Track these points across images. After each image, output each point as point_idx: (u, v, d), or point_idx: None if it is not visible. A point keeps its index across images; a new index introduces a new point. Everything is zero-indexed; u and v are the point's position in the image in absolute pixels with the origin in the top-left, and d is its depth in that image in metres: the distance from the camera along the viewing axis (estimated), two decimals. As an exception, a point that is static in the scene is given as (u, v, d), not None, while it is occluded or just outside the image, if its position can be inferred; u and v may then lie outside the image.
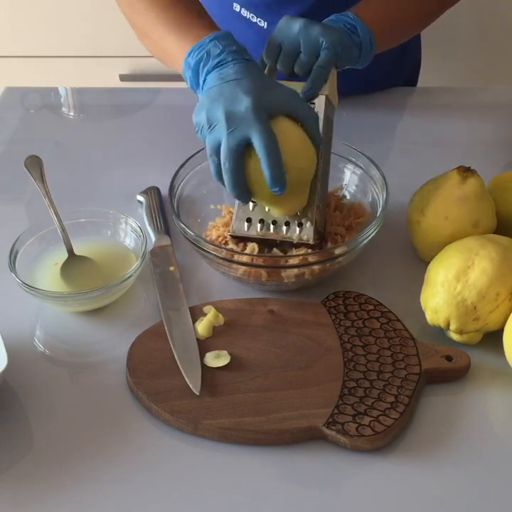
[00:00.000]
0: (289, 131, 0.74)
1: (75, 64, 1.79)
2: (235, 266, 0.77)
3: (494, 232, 0.80)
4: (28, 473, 0.65)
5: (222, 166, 0.73)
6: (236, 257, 0.76)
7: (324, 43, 0.80)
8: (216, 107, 0.72)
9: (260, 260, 0.76)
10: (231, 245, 0.80)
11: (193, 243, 0.78)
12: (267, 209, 0.80)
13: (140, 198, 0.93)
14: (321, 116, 0.81)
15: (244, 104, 0.71)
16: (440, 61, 1.70)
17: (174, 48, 0.81)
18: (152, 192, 0.94)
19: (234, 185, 0.73)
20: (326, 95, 0.81)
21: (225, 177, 0.73)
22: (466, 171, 0.80)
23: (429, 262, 0.77)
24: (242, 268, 0.77)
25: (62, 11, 1.71)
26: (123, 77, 1.78)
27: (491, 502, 0.62)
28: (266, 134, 0.71)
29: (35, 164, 0.87)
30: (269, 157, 0.71)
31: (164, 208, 0.92)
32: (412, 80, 1.25)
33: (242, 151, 0.72)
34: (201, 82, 0.77)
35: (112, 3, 0.95)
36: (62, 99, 1.21)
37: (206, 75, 0.76)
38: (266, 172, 0.71)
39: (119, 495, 0.63)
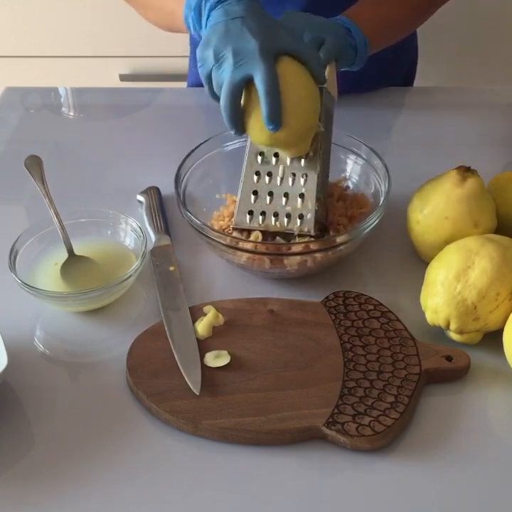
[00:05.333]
0: (294, 71, 0.75)
1: (75, 64, 1.79)
2: (239, 253, 0.78)
3: (494, 232, 0.80)
4: (28, 473, 0.65)
5: (221, 101, 0.74)
6: (240, 244, 0.78)
7: (328, 33, 0.80)
8: (223, 43, 0.74)
9: (263, 247, 0.78)
10: (235, 234, 0.81)
11: (199, 231, 0.79)
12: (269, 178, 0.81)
13: (140, 198, 0.93)
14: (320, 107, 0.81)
15: (251, 43, 0.73)
16: (437, 60, 1.70)
17: (173, 3, 0.84)
18: (152, 192, 0.94)
19: (229, 119, 0.75)
20: (324, 88, 0.81)
21: (223, 111, 0.75)
22: (466, 171, 0.80)
23: (429, 262, 0.77)
24: (246, 255, 0.78)
25: (62, 11, 1.71)
26: (123, 77, 1.78)
27: (491, 502, 0.62)
28: (268, 73, 0.72)
29: (35, 164, 0.87)
30: (267, 95, 0.72)
31: (164, 208, 0.92)
32: (408, 79, 1.25)
33: (242, 87, 0.74)
34: (205, 20, 0.78)
35: (112, 3, 0.96)
36: (62, 99, 1.21)
37: (210, 11, 0.77)
38: (263, 107, 0.73)
39: (119, 495, 0.63)
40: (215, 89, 0.76)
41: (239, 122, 0.76)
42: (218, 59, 0.74)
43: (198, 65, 0.77)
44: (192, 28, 0.82)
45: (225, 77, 0.74)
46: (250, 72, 0.73)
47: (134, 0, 0.93)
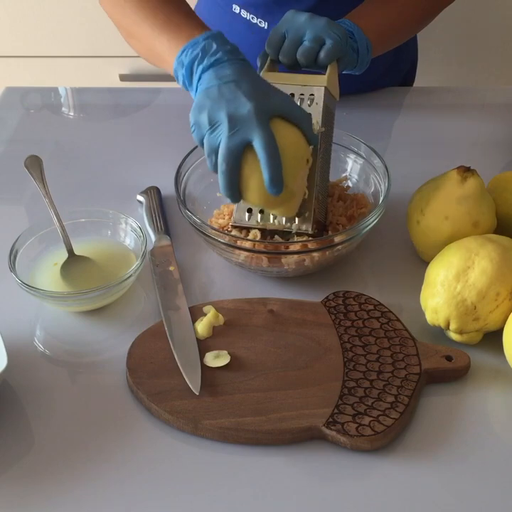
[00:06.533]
0: (287, 133, 0.74)
1: (75, 64, 1.79)
2: (237, 251, 0.78)
3: (494, 232, 0.80)
4: (28, 473, 0.65)
5: (219, 167, 0.73)
6: (238, 243, 0.78)
7: (330, 33, 0.80)
8: (218, 108, 0.72)
9: (261, 246, 0.78)
10: (234, 232, 0.81)
11: (198, 229, 0.79)
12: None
13: (140, 198, 0.93)
14: (321, 106, 0.81)
15: (246, 107, 0.71)
16: (437, 61, 1.70)
17: (164, 48, 0.81)
18: (152, 192, 0.94)
19: (227, 186, 0.74)
20: (325, 87, 0.81)
21: (220, 178, 0.73)
22: (466, 171, 0.80)
23: (429, 262, 0.77)
24: (244, 253, 0.78)
25: (62, 11, 1.71)
26: (123, 77, 1.78)
27: (491, 502, 0.62)
28: (267, 137, 0.71)
29: (35, 164, 0.87)
30: (269, 159, 0.71)
31: (164, 208, 0.92)
32: (408, 80, 1.25)
33: (240, 153, 0.72)
34: (196, 81, 0.77)
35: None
36: (62, 99, 1.21)
37: (201, 73, 0.76)
38: (265, 173, 0.71)
39: (119, 495, 0.63)
40: (207, 153, 0.74)
41: (237, 189, 0.74)
42: (212, 124, 0.73)
43: (191, 129, 0.75)
44: (181, 84, 0.80)
45: (221, 143, 0.72)
46: (248, 138, 0.72)
47: (121, 26, 0.90)
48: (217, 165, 0.73)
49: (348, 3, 0.94)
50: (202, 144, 0.75)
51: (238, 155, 0.72)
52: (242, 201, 0.76)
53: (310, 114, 0.78)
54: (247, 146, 0.72)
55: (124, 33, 0.90)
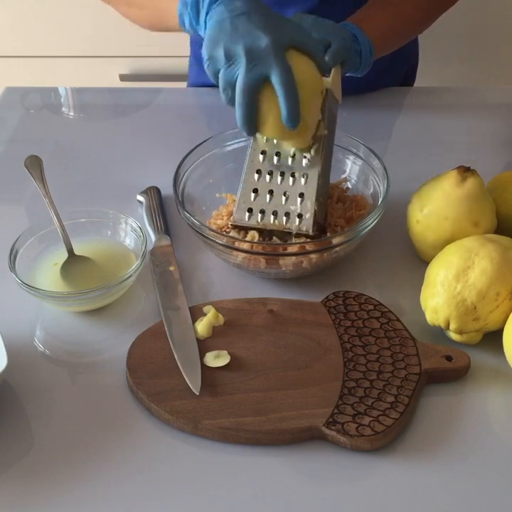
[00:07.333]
0: (303, 64, 0.75)
1: (75, 64, 1.79)
2: (235, 253, 0.78)
3: (494, 232, 0.80)
4: (28, 473, 0.65)
5: (237, 101, 0.73)
6: (236, 244, 0.78)
7: (335, 36, 0.80)
8: (235, 42, 0.72)
9: (259, 247, 0.78)
10: (233, 233, 0.81)
11: (196, 230, 0.79)
12: (271, 179, 0.81)
13: (140, 198, 0.93)
14: (324, 109, 0.81)
15: (263, 40, 0.72)
16: (437, 61, 1.70)
17: (165, 1, 0.81)
18: (152, 192, 0.94)
19: (245, 120, 0.75)
20: (328, 89, 0.81)
21: (238, 111, 0.74)
22: (466, 171, 0.80)
23: (429, 262, 0.77)
24: (242, 255, 0.78)
25: (62, 11, 1.71)
26: (123, 77, 1.78)
27: (491, 502, 0.62)
28: (286, 72, 0.72)
29: (35, 164, 0.87)
30: (287, 94, 0.72)
31: (164, 208, 0.92)
32: (408, 80, 1.25)
33: (258, 87, 0.73)
34: (203, 17, 0.77)
35: (112, 3, 0.95)
36: (62, 99, 1.21)
37: (209, 7, 0.76)
38: (283, 108, 0.73)
39: (119, 494, 0.63)
40: (222, 88, 0.75)
41: (253, 122, 0.75)
42: (230, 58, 0.73)
43: (205, 64, 0.75)
44: (188, 26, 0.80)
45: (239, 78, 0.73)
46: (266, 72, 0.72)
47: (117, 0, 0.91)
48: (235, 99, 0.74)
49: (350, 4, 0.94)
50: (216, 78, 0.75)
51: (256, 89, 0.73)
52: (257, 134, 0.77)
53: (321, 44, 0.78)
54: (265, 80, 0.73)
55: (121, 7, 0.90)
